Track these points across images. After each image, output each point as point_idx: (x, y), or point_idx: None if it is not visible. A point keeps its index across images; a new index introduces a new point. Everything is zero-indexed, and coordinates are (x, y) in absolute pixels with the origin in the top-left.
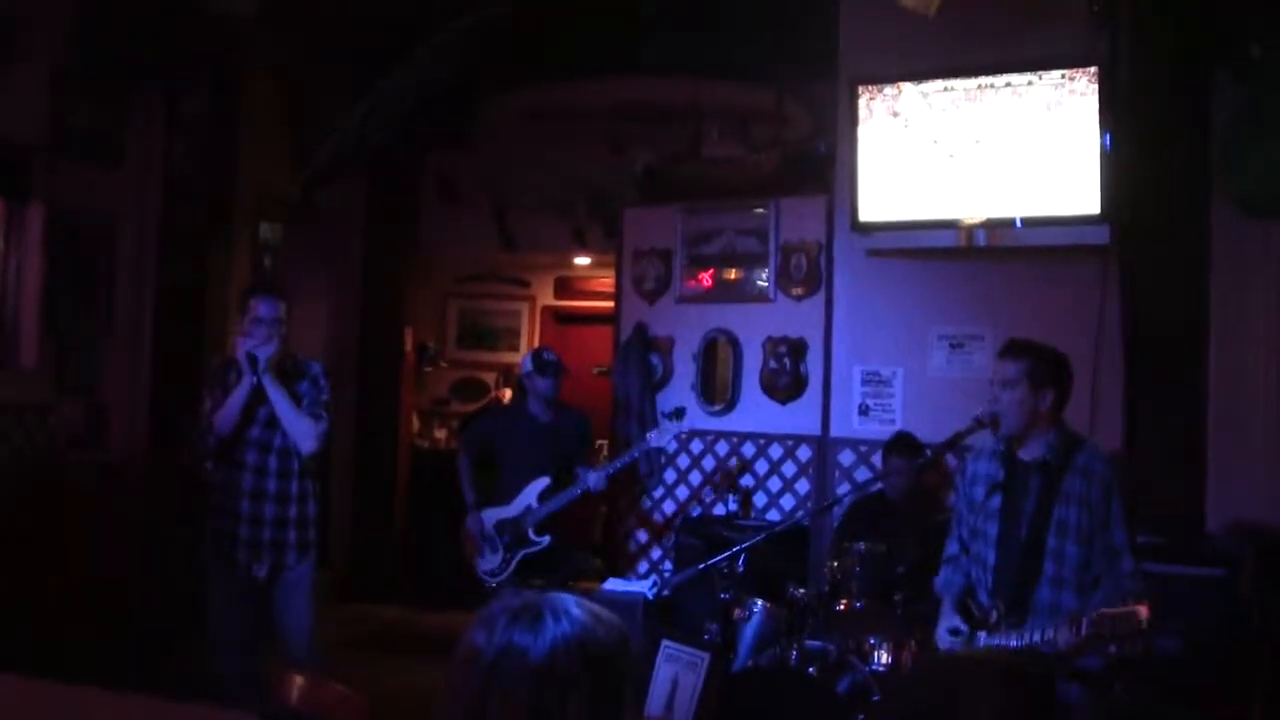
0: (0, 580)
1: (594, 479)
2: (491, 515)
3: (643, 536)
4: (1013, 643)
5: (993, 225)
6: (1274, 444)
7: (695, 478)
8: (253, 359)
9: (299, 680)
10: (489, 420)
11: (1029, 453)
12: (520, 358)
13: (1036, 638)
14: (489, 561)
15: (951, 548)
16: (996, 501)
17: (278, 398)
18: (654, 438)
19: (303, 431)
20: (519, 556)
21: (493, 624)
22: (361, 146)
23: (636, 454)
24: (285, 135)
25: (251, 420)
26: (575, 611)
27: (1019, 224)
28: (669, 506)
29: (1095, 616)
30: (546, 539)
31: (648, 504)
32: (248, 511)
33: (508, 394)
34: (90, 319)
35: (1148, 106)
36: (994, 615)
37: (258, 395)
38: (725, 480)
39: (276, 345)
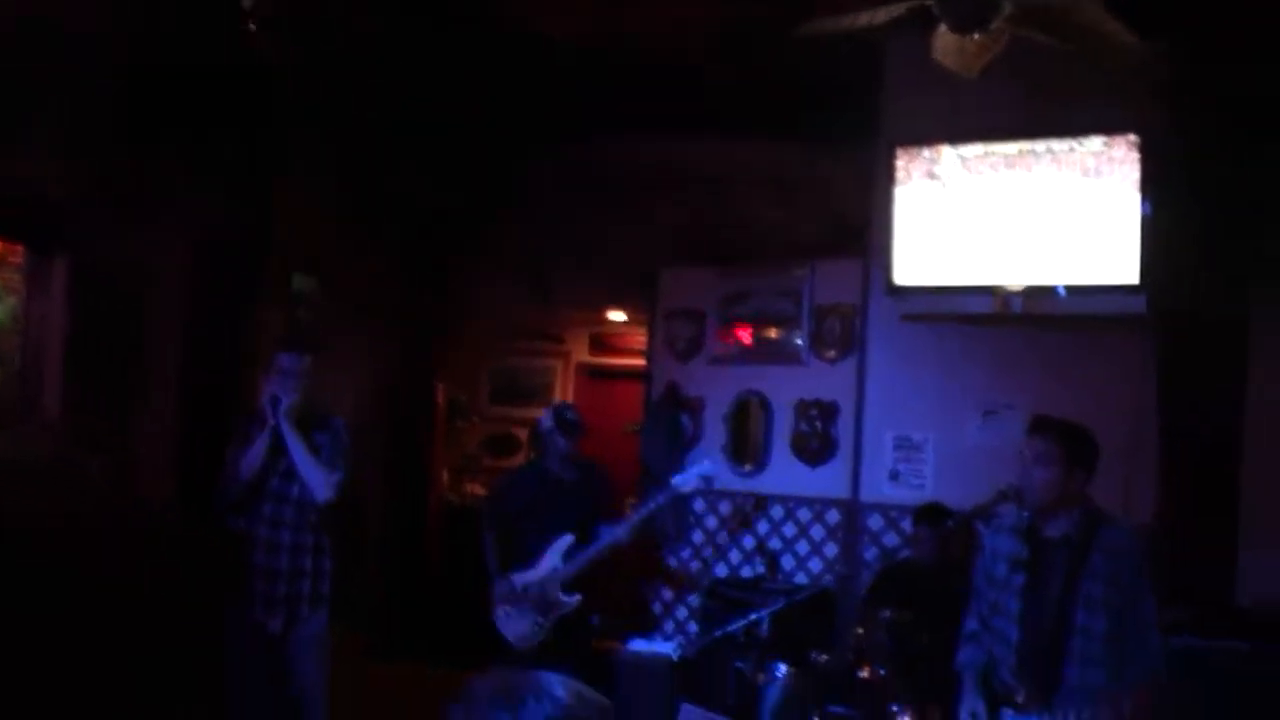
0: (19, 646)
1: (620, 530)
2: (518, 579)
3: (667, 596)
4: None
5: (1029, 292)
6: None
7: (722, 539)
8: (274, 400)
9: None
10: (506, 492)
11: (1053, 529)
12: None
13: (1071, 718)
14: (519, 625)
15: (970, 624)
16: (1020, 578)
17: (294, 444)
18: (679, 482)
19: (317, 479)
20: (551, 618)
21: (472, 703)
22: (398, 199)
23: (662, 500)
24: (321, 188)
25: (271, 471)
26: (558, 692)
27: (1061, 291)
28: (695, 567)
29: (1139, 698)
30: (577, 597)
31: (673, 563)
32: (262, 563)
33: None
34: (117, 371)
35: (1189, 177)
36: (1021, 694)
37: (277, 446)
38: (738, 518)
39: (297, 395)
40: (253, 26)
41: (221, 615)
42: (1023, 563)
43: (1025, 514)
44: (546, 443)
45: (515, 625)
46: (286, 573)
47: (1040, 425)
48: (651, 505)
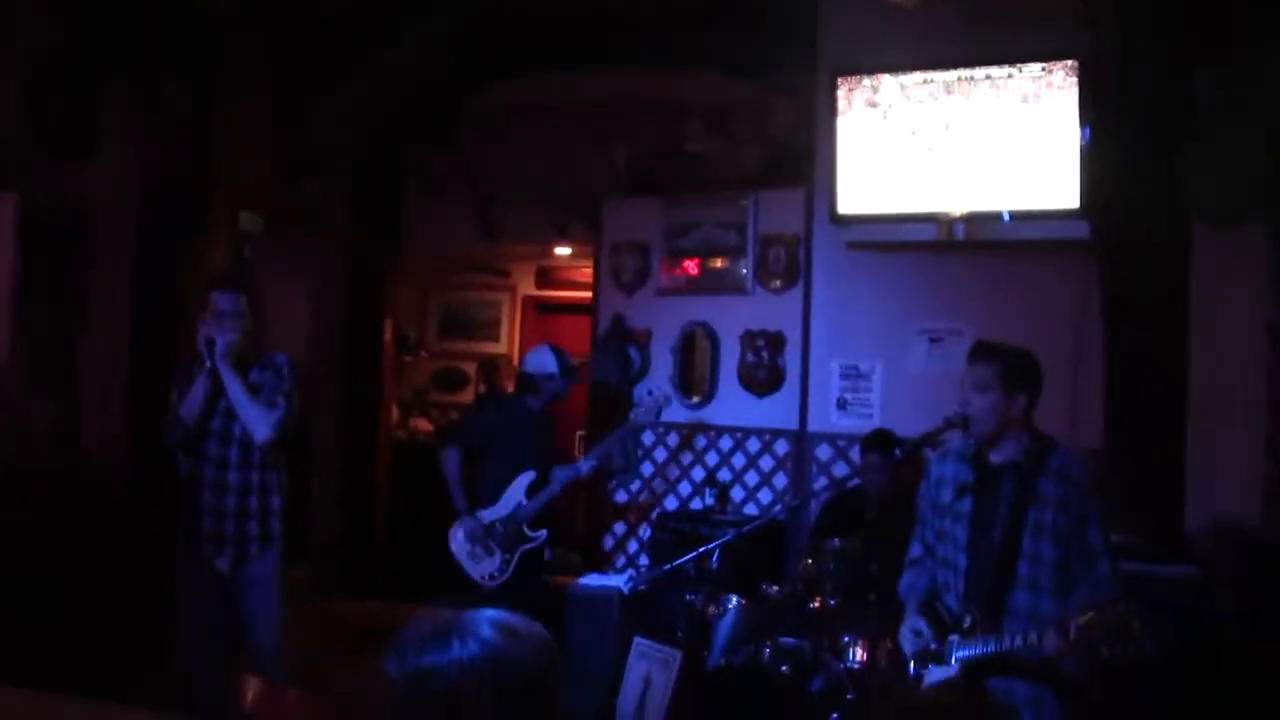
0: None
1: (585, 465)
2: (486, 516)
3: (620, 530)
4: (990, 647)
5: (972, 219)
6: (1254, 444)
7: (672, 471)
8: (210, 342)
9: (255, 685)
10: (486, 414)
11: (999, 455)
12: (509, 349)
13: (1019, 642)
14: (488, 564)
15: (914, 550)
16: (966, 504)
17: (231, 384)
18: (637, 415)
19: (255, 418)
20: (518, 554)
21: (403, 652)
22: (343, 137)
23: (622, 433)
24: (266, 126)
25: (213, 411)
26: (485, 632)
27: (1006, 217)
28: (643, 498)
29: (1086, 621)
30: (543, 533)
31: (624, 497)
32: (209, 503)
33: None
34: (65, 313)
35: (1129, 101)
36: (968, 620)
37: (219, 385)
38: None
39: (235, 335)
40: None
41: (172, 556)
42: (969, 487)
43: (971, 441)
44: (543, 386)
45: (484, 564)
46: (234, 512)
47: (978, 350)
48: (612, 440)
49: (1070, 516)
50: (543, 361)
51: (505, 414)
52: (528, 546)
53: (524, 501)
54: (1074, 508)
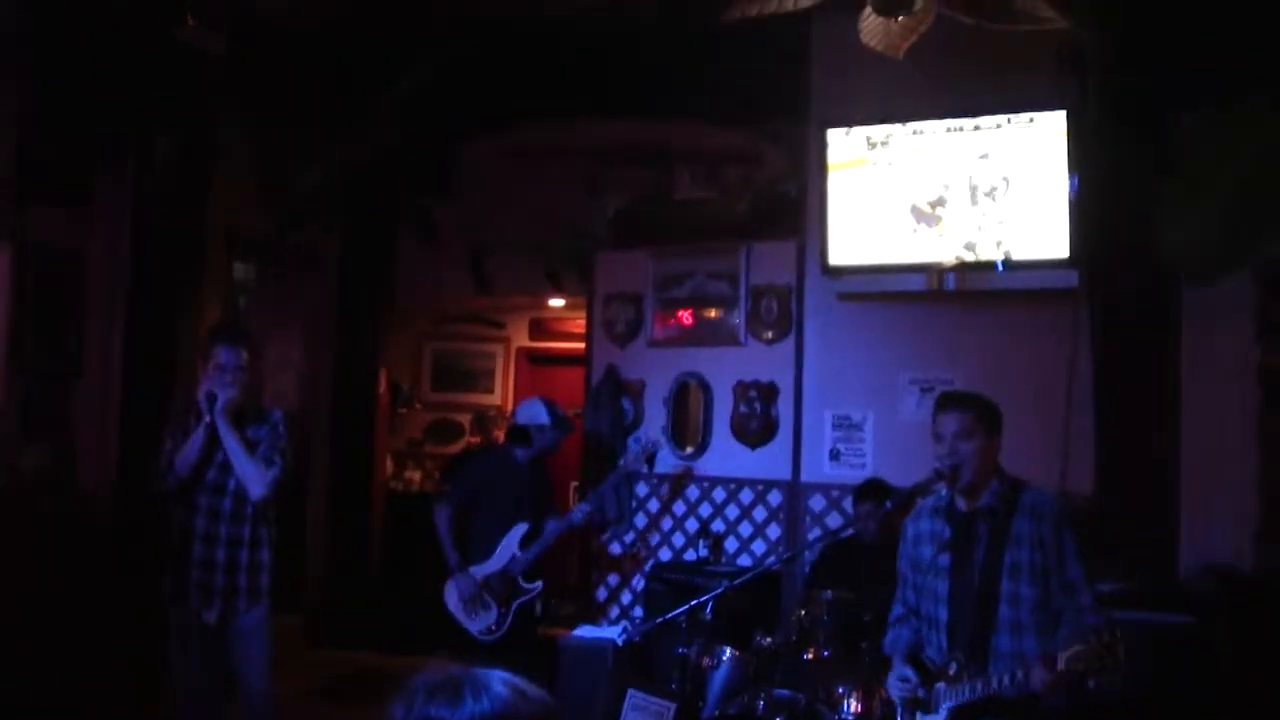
0: None
1: (578, 514)
2: (478, 572)
3: (613, 581)
4: (978, 691)
5: (962, 269)
6: (1246, 488)
7: (665, 523)
8: (211, 398)
9: None
10: (477, 467)
11: (974, 502)
12: (502, 400)
13: (1006, 681)
14: (484, 619)
15: (896, 611)
16: (946, 559)
17: (230, 440)
18: (627, 462)
19: (252, 476)
20: (515, 607)
21: (412, 698)
22: (336, 187)
23: (615, 481)
24: (258, 175)
25: (209, 463)
26: (497, 689)
27: (1000, 267)
28: (639, 552)
29: (1072, 652)
30: (539, 584)
31: (617, 549)
32: (200, 555)
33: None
34: (59, 360)
35: (1116, 151)
36: (953, 667)
37: (214, 438)
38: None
39: (236, 391)
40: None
41: (160, 605)
42: (946, 543)
43: (944, 494)
44: (535, 437)
45: (481, 619)
46: (223, 565)
47: (953, 401)
48: (604, 489)
49: (1046, 553)
50: (534, 412)
51: (494, 468)
52: (524, 599)
53: (518, 554)
54: (1049, 543)
